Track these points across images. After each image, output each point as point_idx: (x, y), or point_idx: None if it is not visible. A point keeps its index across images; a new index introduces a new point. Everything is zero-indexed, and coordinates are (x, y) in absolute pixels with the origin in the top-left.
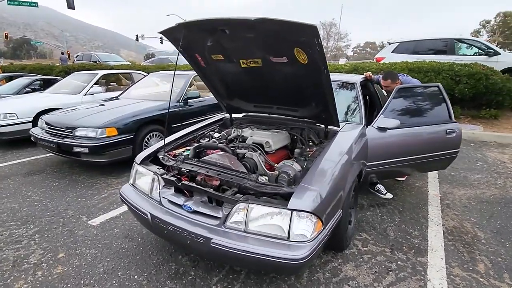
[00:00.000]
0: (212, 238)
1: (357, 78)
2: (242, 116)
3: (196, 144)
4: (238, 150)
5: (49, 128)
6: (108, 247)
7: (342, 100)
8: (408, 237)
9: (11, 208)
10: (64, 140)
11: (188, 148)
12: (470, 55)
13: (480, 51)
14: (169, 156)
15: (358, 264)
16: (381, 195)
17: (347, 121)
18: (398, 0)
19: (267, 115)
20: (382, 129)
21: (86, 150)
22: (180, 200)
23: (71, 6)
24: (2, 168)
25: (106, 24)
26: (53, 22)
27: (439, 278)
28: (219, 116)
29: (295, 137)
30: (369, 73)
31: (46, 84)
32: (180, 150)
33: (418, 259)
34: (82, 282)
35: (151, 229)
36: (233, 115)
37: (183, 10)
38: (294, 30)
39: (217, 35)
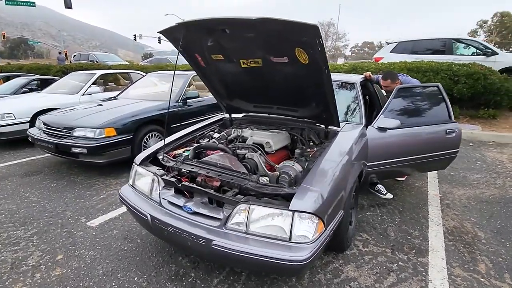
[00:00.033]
0: (213, 240)
1: (357, 78)
2: (242, 116)
3: (196, 145)
4: (238, 151)
5: (46, 128)
6: (107, 249)
7: (342, 100)
8: (409, 237)
9: (9, 209)
10: (62, 140)
11: (187, 148)
12: (468, 55)
13: (478, 51)
14: (169, 157)
15: (359, 265)
16: (381, 195)
17: (347, 121)
18: (397, 0)
19: (267, 115)
20: (382, 129)
21: (85, 150)
22: (180, 201)
23: (68, 5)
24: None
25: (104, 23)
26: (50, 21)
27: (440, 278)
28: (218, 116)
29: (295, 137)
30: (369, 73)
31: (43, 84)
32: (180, 151)
33: (419, 259)
34: (81, 284)
35: (151, 231)
36: (233, 115)
37: (183, 10)
38: (296, 30)
39: (217, 35)
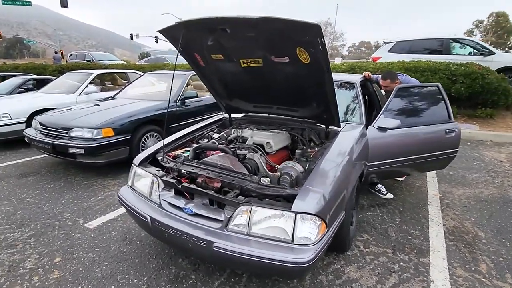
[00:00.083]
0: (214, 242)
1: (356, 78)
2: (241, 116)
3: (195, 145)
4: (238, 151)
5: (43, 128)
6: (106, 251)
7: (342, 100)
8: (410, 237)
9: (6, 211)
10: (59, 141)
11: (187, 149)
12: (465, 54)
13: (475, 50)
14: (168, 158)
15: (360, 265)
16: (381, 195)
17: (347, 121)
18: (399, 0)
19: (267, 115)
20: (382, 129)
21: (82, 151)
22: (180, 202)
23: (64, 4)
24: None
25: (100, 22)
26: (46, 20)
27: (442, 279)
28: (218, 116)
29: (296, 137)
30: (368, 72)
31: (39, 84)
32: (179, 151)
33: (420, 259)
34: (79, 287)
35: (150, 233)
36: (232, 115)
37: (183, 10)
38: (298, 29)
39: (218, 34)
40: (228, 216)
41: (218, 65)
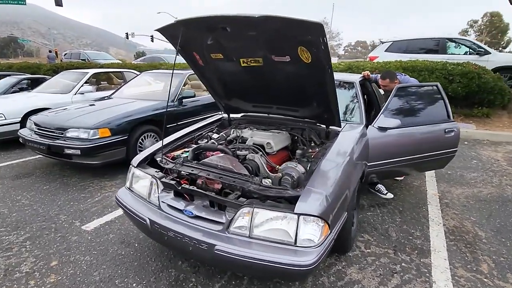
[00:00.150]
0: (215, 245)
1: (356, 77)
2: (241, 116)
3: (194, 146)
4: (238, 152)
5: (38, 129)
6: (104, 254)
7: (342, 99)
8: (410, 237)
9: (0, 213)
10: (55, 141)
11: (186, 149)
12: (461, 54)
13: (470, 50)
14: (167, 159)
15: (362, 266)
16: (381, 195)
17: (347, 121)
18: (398, 0)
19: (266, 115)
20: (382, 129)
21: (78, 152)
22: (180, 204)
23: (58, 3)
24: None
25: (95, 21)
26: (40, 19)
27: (444, 279)
28: (216, 116)
29: (296, 137)
30: (367, 72)
31: (34, 83)
32: (178, 152)
33: (421, 260)
34: None
35: (149, 235)
36: (231, 115)
37: (182, 9)
38: (299, 28)
39: (218, 33)
40: (230, 218)
41: (217, 64)
